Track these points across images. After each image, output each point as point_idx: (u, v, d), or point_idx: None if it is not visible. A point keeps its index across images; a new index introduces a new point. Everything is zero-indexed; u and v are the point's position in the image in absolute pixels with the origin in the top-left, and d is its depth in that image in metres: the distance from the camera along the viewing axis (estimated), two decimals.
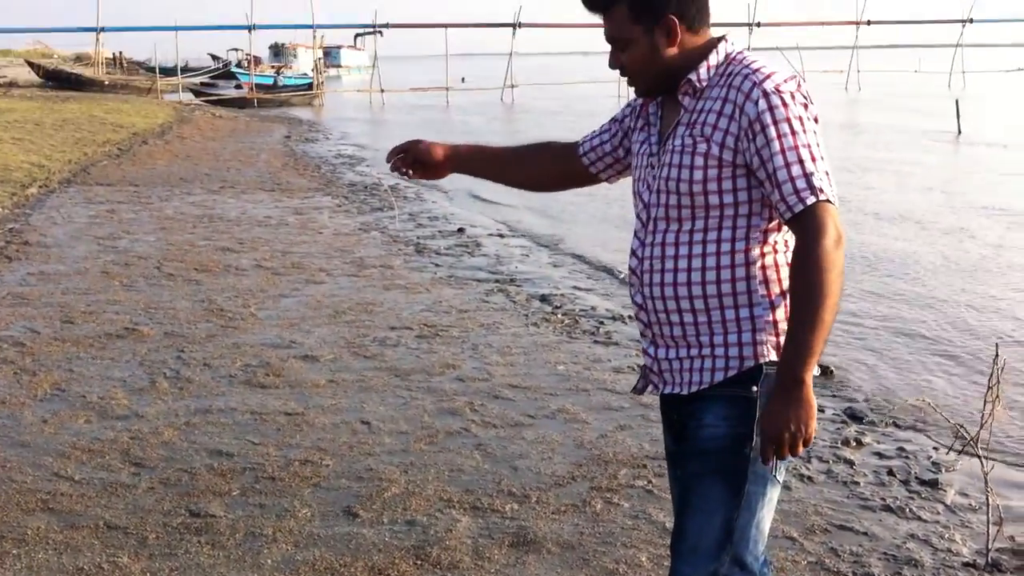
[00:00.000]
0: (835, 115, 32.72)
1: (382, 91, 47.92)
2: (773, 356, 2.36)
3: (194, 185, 15.68)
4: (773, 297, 2.37)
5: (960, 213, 13.66)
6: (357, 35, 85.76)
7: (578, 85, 54.18)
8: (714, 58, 2.40)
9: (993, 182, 16.80)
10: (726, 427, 2.38)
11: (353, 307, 7.98)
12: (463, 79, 58.30)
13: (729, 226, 2.36)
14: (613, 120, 2.77)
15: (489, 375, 6.35)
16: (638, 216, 2.52)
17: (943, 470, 5.09)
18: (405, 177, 2.90)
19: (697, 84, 2.39)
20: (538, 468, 4.89)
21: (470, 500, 4.52)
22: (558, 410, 5.73)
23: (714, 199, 2.35)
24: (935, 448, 5.40)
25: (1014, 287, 9.39)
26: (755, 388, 2.36)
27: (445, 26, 53.34)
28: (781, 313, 2.36)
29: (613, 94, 41.66)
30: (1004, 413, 4.75)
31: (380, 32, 55.76)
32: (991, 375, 4.26)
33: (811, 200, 2.25)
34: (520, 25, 52.65)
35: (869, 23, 58.18)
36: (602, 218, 13.26)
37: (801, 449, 2.30)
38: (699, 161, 2.34)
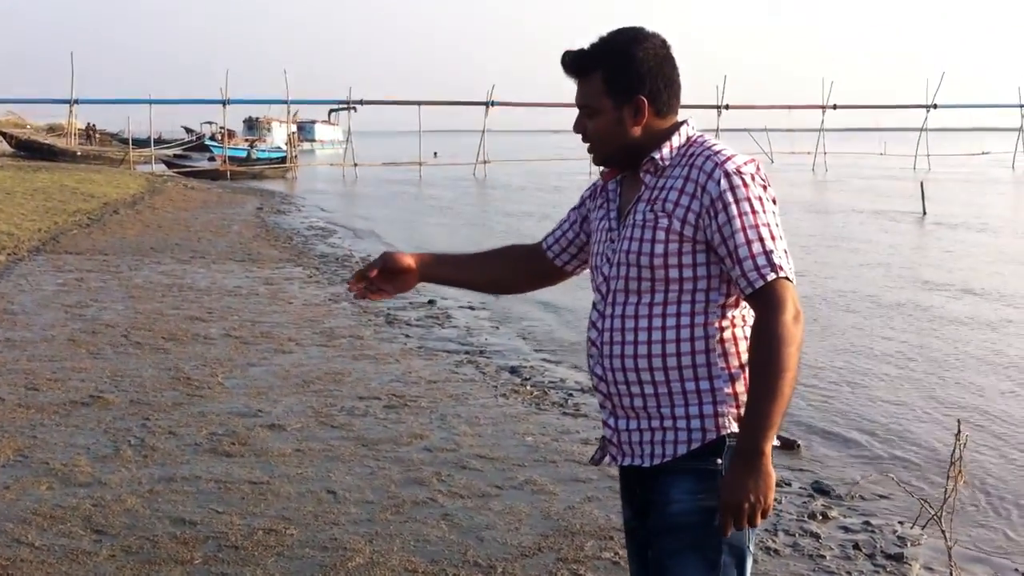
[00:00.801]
0: (802, 196, 33.21)
1: (355, 165, 48.24)
2: (734, 428, 2.39)
3: (164, 255, 15.66)
4: (732, 370, 2.41)
5: (918, 289, 13.83)
6: (331, 110, 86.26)
7: (549, 162, 54.80)
8: (676, 140, 2.48)
9: (951, 260, 17.08)
10: (694, 502, 2.39)
11: (322, 377, 7.96)
12: (435, 154, 58.80)
13: (688, 300, 2.40)
14: (572, 209, 2.82)
15: (457, 445, 6.33)
16: (597, 289, 2.56)
17: (908, 544, 5.11)
18: (372, 299, 2.82)
19: (660, 163, 2.45)
20: (505, 539, 4.87)
21: (435, 571, 4.49)
22: (526, 481, 5.72)
23: (674, 272, 2.40)
24: (900, 522, 5.42)
25: (972, 361, 9.48)
26: (719, 461, 2.39)
27: (419, 103, 53.88)
28: (741, 385, 2.40)
29: (584, 171, 42.12)
30: (967, 488, 4.79)
31: (354, 108, 56.21)
32: (954, 450, 4.31)
33: (771, 276, 2.31)
34: (493, 103, 53.28)
35: (835, 107, 59.28)
36: (573, 293, 13.33)
37: (759, 520, 2.33)
38: (660, 235, 2.39)
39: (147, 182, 32.75)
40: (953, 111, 66.09)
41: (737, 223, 2.32)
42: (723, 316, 2.41)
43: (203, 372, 7.99)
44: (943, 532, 4.35)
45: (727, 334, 2.41)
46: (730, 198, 2.33)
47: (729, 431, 2.39)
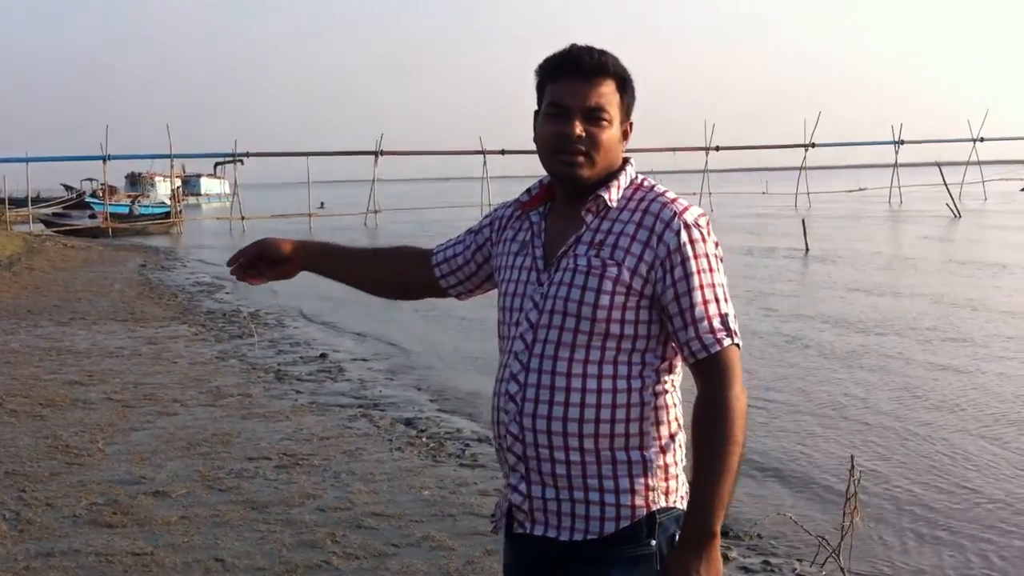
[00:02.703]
0: None
1: (243, 218, 47.52)
2: (663, 503, 2.22)
3: (42, 317, 15.10)
4: (663, 440, 2.23)
5: (798, 323, 14.09)
6: (217, 164, 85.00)
7: (439, 209, 54.84)
8: (624, 179, 2.29)
9: (839, 296, 17.50)
10: None
11: (208, 438, 7.69)
12: (322, 204, 58.40)
13: (625, 360, 2.20)
14: (469, 231, 2.58)
15: (351, 503, 6.15)
16: (520, 336, 2.26)
17: None
18: (251, 283, 2.68)
19: (608, 203, 2.25)
20: None
21: None
22: (423, 537, 5.57)
23: (615, 328, 2.19)
24: (799, 560, 5.42)
25: (859, 395, 9.65)
26: (653, 542, 2.21)
27: (307, 154, 53.41)
28: (671, 457, 2.24)
29: (474, 217, 42.11)
30: (863, 523, 4.81)
31: (240, 161, 55.42)
32: (848, 486, 4.33)
33: (727, 342, 2.17)
34: (382, 153, 53.08)
35: (718, 148, 60.53)
36: (471, 338, 13.25)
37: None
38: (607, 285, 2.18)
39: (24, 242, 31.69)
40: (831, 150, 67.97)
41: (695, 280, 2.16)
42: (658, 381, 2.22)
43: (82, 439, 7.65)
44: (842, 569, 4.34)
45: (660, 401, 2.23)
46: (689, 252, 2.17)
47: (659, 506, 2.21)
